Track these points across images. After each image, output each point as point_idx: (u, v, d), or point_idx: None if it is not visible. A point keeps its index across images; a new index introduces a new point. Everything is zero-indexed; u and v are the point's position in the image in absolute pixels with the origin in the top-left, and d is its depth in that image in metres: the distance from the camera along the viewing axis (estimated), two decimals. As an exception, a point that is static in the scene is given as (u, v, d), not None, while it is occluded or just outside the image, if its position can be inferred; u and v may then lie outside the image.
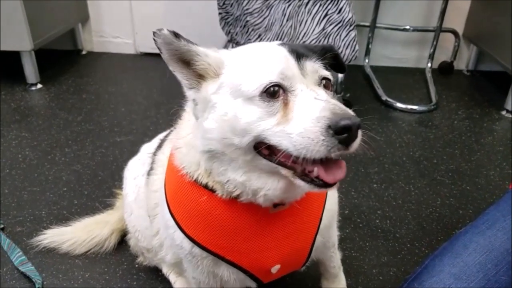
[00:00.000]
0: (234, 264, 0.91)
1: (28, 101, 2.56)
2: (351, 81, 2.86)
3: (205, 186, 0.87)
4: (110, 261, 1.44)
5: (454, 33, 3.10)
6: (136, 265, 1.42)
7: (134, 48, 3.35)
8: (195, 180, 0.87)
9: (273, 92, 0.74)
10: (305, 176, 0.75)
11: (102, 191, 1.76)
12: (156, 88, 2.76)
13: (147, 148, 1.29)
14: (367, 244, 1.53)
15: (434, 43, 2.99)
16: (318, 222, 0.94)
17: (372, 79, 2.92)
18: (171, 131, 1.06)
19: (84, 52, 3.34)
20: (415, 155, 2.12)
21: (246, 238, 0.88)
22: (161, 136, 1.24)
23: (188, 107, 0.92)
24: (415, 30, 3.09)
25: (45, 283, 1.36)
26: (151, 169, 1.14)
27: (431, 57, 3.07)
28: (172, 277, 1.33)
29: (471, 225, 1.10)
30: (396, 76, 3.12)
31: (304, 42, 2.24)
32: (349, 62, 2.30)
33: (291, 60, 0.77)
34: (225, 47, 2.58)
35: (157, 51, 0.80)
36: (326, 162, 0.73)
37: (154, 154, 1.17)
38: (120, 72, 3.08)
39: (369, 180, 1.90)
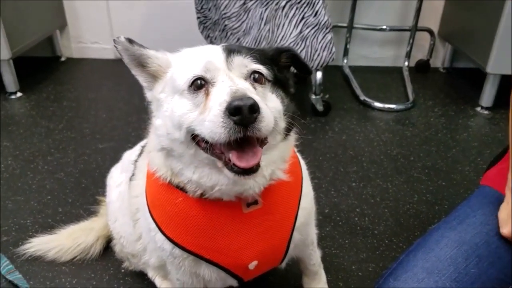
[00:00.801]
0: (213, 262, 0.94)
1: (8, 110, 2.54)
2: (330, 82, 2.92)
3: (178, 187, 0.90)
4: (97, 267, 1.46)
5: (430, 31, 3.18)
6: (122, 270, 1.44)
7: (113, 53, 3.32)
8: (169, 182, 0.91)
9: (200, 85, 0.80)
10: (227, 164, 0.78)
11: (86, 199, 1.77)
12: (137, 93, 2.70)
13: (129, 155, 1.32)
14: (347, 241, 1.58)
15: (411, 41, 3.06)
16: (293, 220, 0.98)
17: (350, 79, 2.98)
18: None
19: (63, 59, 3.32)
20: (392, 153, 2.18)
21: (223, 236, 0.92)
22: (142, 143, 1.26)
23: None
24: (392, 29, 3.17)
25: (32, 291, 1.36)
26: (133, 174, 1.17)
27: (408, 55, 3.15)
28: (158, 281, 1.36)
29: (443, 221, 1.14)
30: (374, 75, 3.18)
31: (282, 45, 2.27)
32: (327, 64, 2.35)
33: (218, 56, 0.82)
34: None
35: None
36: (242, 148, 0.76)
37: (136, 161, 1.20)
38: (100, 78, 3.07)
39: (348, 179, 1.95)
